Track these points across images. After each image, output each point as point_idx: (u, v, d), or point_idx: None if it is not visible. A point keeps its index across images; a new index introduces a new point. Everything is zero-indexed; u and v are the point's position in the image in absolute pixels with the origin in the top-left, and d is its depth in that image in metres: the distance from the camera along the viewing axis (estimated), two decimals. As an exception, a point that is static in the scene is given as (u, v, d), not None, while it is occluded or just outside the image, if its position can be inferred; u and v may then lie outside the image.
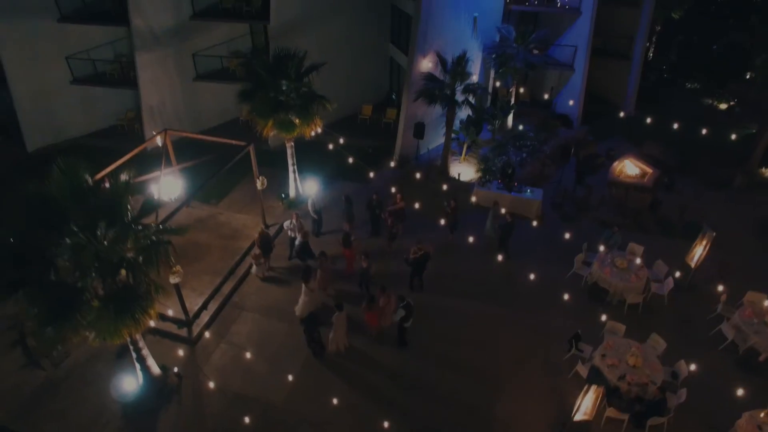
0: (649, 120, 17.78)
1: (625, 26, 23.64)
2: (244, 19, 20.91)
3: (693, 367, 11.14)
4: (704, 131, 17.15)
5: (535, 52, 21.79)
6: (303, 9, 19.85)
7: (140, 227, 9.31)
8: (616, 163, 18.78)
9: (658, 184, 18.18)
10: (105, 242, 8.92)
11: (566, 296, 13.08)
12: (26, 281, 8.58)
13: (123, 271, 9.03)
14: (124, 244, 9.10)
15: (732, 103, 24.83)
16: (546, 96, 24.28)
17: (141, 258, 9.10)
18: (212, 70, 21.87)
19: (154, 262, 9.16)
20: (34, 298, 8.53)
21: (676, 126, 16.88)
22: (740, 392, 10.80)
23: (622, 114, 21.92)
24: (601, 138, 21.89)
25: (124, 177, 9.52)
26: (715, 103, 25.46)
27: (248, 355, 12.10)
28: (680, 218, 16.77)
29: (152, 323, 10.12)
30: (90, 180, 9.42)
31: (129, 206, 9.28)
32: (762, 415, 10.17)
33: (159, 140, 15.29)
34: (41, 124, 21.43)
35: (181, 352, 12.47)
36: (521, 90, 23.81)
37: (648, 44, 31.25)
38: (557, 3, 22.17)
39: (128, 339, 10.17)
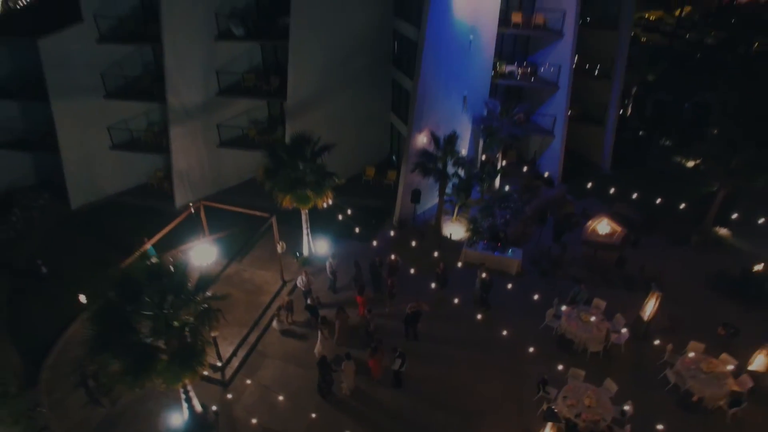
0: (621, 180, 20.81)
1: (599, 96, 27.09)
2: (264, 97, 24.46)
3: (630, 406, 13.86)
4: (670, 189, 20.21)
5: (520, 116, 25.12)
6: (315, 87, 23.34)
7: (197, 297, 12.29)
8: (589, 222, 21.77)
9: (625, 243, 21.13)
10: (171, 310, 11.90)
11: (538, 346, 15.94)
12: (114, 341, 11.52)
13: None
14: (186, 311, 12.08)
15: (697, 162, 28.00)
16: (531, 156, 27.61)
17: (198, 322, 12.07)
18: (234, 137, 25.29)
19: (208, 324, 12.13)
20: (120, 354, 11.46)
21: (645, 185, 19.87)
22: (677, 426, 13.55)
23: (597, 177, 25.16)
24: (579, 197, 25.04)
25: (182, 257, 12.55)
26: (683, 161, 28.63)
27: (272, 395, 14.91)
28: (641, 275, 19.69)
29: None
30: (156, 259, 12.48)
31: (189, 282, 12.29)
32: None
33: (178, 200, 18.43)
34: (84, 184, 24.71)
35: (216, 393, 15.30)
36: (509, 152, 27.12)
37: (626, 102, 34.97)
38: (537, 78, 25.65)
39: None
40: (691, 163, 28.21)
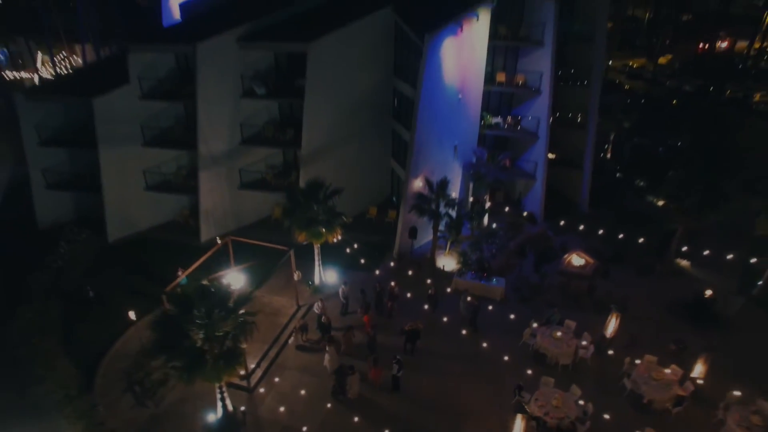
0: (597, 218, 24.17)
1: (576, 143, 30.89)
2: (280, 146, 28.30)
3: (590, 407, 16.84)
4: (640, 226, 23.67)
5: (505, 162, 28.85)
6: (326, 137, 27.14)
7: (236, 313, 15.51)
8: (566, 256, 25.08)
9: (597, 273, 24.37)
10: (216, 322, 15.11)
11: (516, 359, 19.01)
12: (170, 345, 14.70)
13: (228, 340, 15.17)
14: (227, 323, 15.28)
15: (665, 201, 31.50)
16: (516, 197, 31.20)
17: (237, 331, 15.27)
18: (253, 180, 28.95)
19: (245, 333, 15.33)
20: (176, 357, 14.62)
21: (618, 222, 23.22)
22: (629, 423, 16.50)
23: (575, 216, 28.70)
24: (558, 233, 28.40)
25: (226, 283, 15.89)
26: (654, 200, 32.14)
27: (291, 399, 17.89)
28: (608, 300, 22.83)
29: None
30: (208, 283, 15.81)
31: (229, 300, 15.57)
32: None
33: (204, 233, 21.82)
34: (120, 220, 28.20)
35: (243, 397, 18.27)
36: (496, 193, 30.71)
37: (606, 146, 38.88)
38: (521, 128, 29.51)
39: (219, 385, 16.12)
40: (660, 203, 31.76)
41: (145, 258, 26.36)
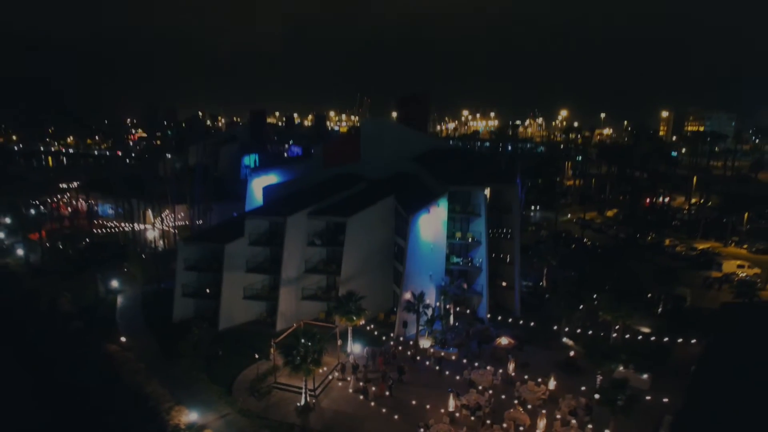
0: (525, 318, 43.19)
1: (509, 273, 50.92)
2: (327, 274, 48.72)
3: (493, 400, 34.61)
4: (551, 322, 42.58)
5: (463, 285, 48.57)
6: (355, 269, 47.47)
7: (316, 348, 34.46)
8: (497, 338, 43.57)
9: (515, 348, 42.57)
10: (308, 349, 33.98)
11: (459, 384, 36.97)
12: (289, 359, 33.55)
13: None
14: (313, 348, 34.12)
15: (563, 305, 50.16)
16: (471, 306, 50.45)
17: (316, 355, 34.10)
18: (310, 294, 48.74)
19: (319, 358, 34.21)
20: (292, 362, 33.38)
21: (537, 320, 42.00)
22: (512, 407, 34.19)
23: (510, 317, 47.79)
24: (498, 327, 47.02)
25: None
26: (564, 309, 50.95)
27: (336, 399, 35.75)
28: (518, 361, 40.88)
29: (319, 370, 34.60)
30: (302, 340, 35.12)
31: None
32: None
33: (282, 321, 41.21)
34: (226, 317, 47.51)
35: (312, 397, 36.10)
36: (459, 306, 49.99)
37: (543, 275, 58.69)
38: (472, 265, 49.82)
39: (305, 384, 34.38)
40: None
41: (242, 338, 45.16)
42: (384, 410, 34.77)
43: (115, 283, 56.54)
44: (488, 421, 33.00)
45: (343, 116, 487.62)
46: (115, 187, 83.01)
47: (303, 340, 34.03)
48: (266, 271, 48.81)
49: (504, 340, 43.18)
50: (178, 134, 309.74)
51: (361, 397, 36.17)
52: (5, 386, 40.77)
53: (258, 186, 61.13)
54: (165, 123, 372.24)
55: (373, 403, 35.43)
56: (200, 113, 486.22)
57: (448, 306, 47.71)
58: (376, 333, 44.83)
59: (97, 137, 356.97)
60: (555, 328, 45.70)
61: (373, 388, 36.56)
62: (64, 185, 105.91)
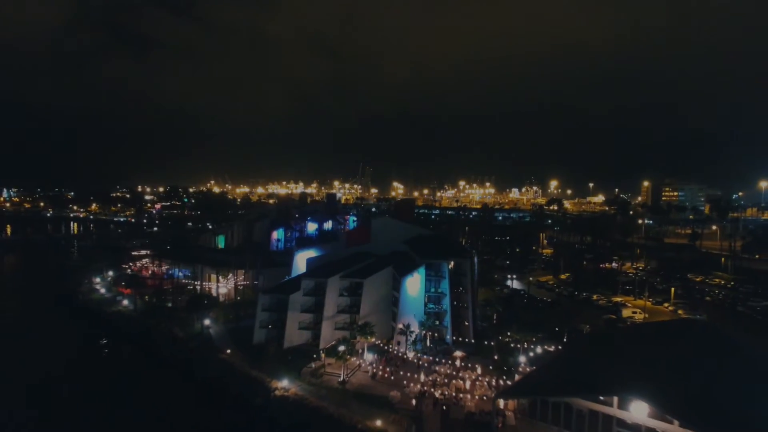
0: (478, 345, 75.19)
1: (464, 315, 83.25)
2: (351, 313, 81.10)
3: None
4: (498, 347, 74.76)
5: (435, 321, 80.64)
6: (367, 312, 79.77)
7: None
8: (454, 353, 75.18)
9: (464, 357, 74.06)
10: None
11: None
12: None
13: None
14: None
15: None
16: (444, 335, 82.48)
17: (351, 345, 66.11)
18: (340, 326, 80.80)
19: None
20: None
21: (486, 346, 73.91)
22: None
23: (465, 343, 79.77)
24: (457, 347, 78.65)
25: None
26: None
27: (360, 381, 67.31)
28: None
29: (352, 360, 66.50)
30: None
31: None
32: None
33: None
34: (288, 340, 79.34)
35: (346, 378, 67.54)
36: (436, 333, 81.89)
37: (495, 315, 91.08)
38: (441, 308, 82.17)
39: (343, 369, 66.04)
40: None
41: (298, 352, 76.70)
42: (385, 385, 66.17)
43: (207, 322, 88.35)
44: (442, 387, 64.45)
45: (347, 185, 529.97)
46: (182, 255, 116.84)
47: (342, 347, 66.13)
48: (313, 311, 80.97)
49: (458, 353, 74.74)
50: (197, 204, 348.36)
51: (372, 378, 67.46)
52: (166, 379, 72.50)
53: (301, 257, 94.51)
54: (181, 193, 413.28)
55: (378, 380, 66.77)
56: (211, 183, 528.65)
57: (425, 333, 79.58)
58: (382, 346, 76.64)
59: (119, 204, 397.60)
60: (492, 344, 77.25)
61: (379, 374, 67.76)
62: (136, 253, 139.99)
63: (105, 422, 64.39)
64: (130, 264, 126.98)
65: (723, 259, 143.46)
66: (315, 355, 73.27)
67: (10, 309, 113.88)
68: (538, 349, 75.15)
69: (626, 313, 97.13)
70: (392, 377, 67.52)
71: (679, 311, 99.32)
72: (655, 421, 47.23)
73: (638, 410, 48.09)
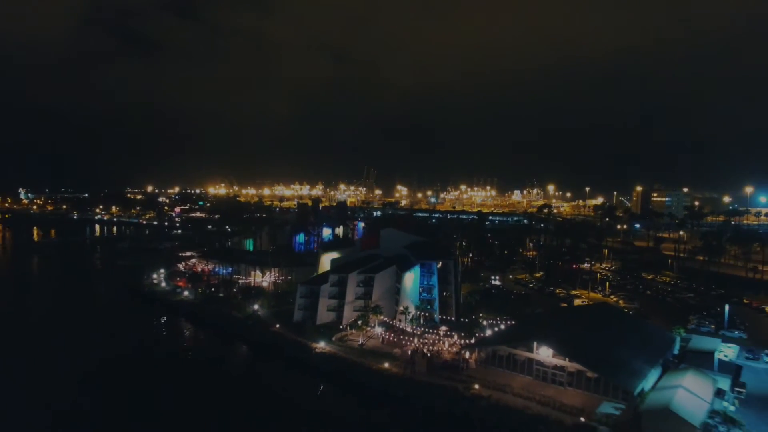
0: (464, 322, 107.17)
1: (448, 302, 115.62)
2: (365, 299, 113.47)
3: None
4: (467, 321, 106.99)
5: (432, 301, 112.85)
6: (378, 296, 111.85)
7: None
8: (440, 327, 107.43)
9: (447, 331, 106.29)
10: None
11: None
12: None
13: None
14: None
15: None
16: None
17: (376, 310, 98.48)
18: (357, 309, 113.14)
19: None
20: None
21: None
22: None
23: (448, 321, 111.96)
24: (443, 324, 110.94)
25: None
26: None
27: (374, 344, 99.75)
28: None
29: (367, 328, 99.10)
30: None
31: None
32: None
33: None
34: (320, 318, 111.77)
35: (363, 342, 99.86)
36: (429, 313, 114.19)
37: (474, 303, 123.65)
38: (432, 297, 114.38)
39: (362, 337, 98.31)
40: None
41: (328, 326, 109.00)
42: (390, 346, 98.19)
43: (256, 306, 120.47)
44: (430, 345, 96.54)
45: (352, 187, 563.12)
46: (227, 256, 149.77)
47: (360, 322, 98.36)
48: (337, 298, 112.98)
49: (443, 328, 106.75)
50: (213, 208, 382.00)
51: (381, 342, 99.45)
52: (234, 346, 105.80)
53: (326, 258, 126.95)
54: (199, 195, 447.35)
55: (385, 343, 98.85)
56: (223, 185, 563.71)
57: (419, 313, 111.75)
58: (388, 322, 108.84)
59: (138, 207, 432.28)
60: (466, 321, 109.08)
61: (386, 339, 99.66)
62: (184, 254, 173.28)
63: (201, 374, 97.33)
64: (183, 263, 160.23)
65: (670, 260, 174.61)
66: (341, 327, 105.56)
67: (98, 296, 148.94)
68: (502, 326, 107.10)
69: (577, 302, 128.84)
70: (395, 341, 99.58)
71: (620, 301, 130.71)
72: (556, 360, 79.49)
73: (546, 353, 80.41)
